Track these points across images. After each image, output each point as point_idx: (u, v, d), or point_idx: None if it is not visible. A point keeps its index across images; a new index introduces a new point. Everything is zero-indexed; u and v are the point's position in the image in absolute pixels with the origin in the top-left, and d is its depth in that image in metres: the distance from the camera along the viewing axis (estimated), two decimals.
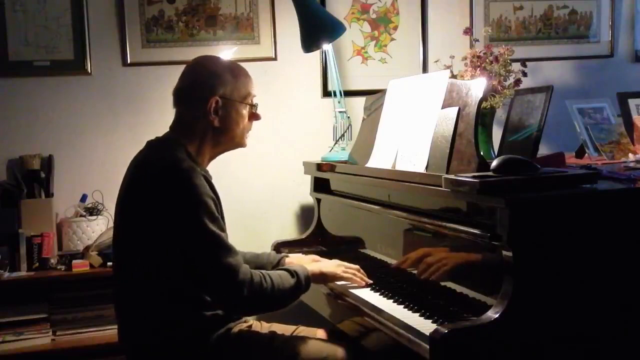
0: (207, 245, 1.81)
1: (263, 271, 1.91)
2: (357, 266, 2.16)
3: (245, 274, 1.83)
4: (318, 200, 2.80)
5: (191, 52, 3.06)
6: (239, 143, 2.06)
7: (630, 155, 2.38)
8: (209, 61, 2.08)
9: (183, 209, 1.82)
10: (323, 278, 2.10)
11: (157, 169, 1.88)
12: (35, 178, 2.86)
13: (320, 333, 2.16)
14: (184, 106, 2.01)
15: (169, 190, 1.83)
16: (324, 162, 2.75)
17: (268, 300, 1.89)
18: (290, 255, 2.36)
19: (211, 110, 1.96)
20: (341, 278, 2.11)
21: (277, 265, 2.26)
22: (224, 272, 1.81)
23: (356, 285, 2.11)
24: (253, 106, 2.06)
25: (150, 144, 2.00)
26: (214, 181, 1.97)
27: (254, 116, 2.07)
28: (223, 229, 1.88)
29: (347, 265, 2.14)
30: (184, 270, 1.83)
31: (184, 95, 2.01)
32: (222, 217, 1.94)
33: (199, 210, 1.81)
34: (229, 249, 1.84)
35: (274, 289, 1.88)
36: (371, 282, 2.13)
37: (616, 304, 1.66)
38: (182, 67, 2.98)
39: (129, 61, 3.02)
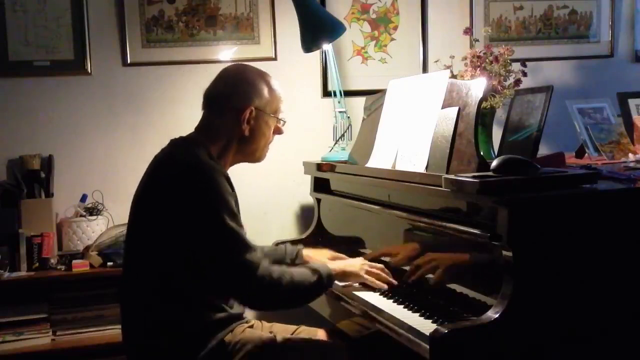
0: (227, 242, 1.82)
1: (284, 267, 1.91)
2: (381, 265, 2.12)
3: (265, 269, 1.84)
4: (318, 200, 2.80)
5: (191, 52, 3.07)
6: (259, 157, 2.10)
7: (630, 155, 2.38)
8: (247, 70, 2.09)
9: (203, 206, 1.82)
10: (345, 277, 2.08)
11: (178, 166, 1.89)
12: (35, 178, 2.86)
13: (321, 333, 2.16)
14: (217, 111, 2.02)
15: (189, 188, 1.84)
16: (324, 162, 2.75)
17: (287, 297, 1.90)
18: (306, 248, 2.34)
19: (245, 119, 1.98)
20: (364, 279, 2.08)
21: (296, 258, 2.29)
22: (243, 268, 1.81)
23: (378, 287, 2.06)
24: (280, 120, 2.10)
25: (172, 143, 2.01)
26: None
27: (277, 130, 2.11)
28: (242, 226, 1.89)
29: (371, 265, 2.11)
30: (198, 269, 1.83)
31: (218, 101, 2.02)
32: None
33: (220, 207, 1.82)
34: (248, 246, 1.84)
35: (294, 286, 1.88)
36: (396, 283, 2.07)
37: (616, 304, 1.66)
38: (182, 67, 3.05)
39: (129, 61, 3.03)
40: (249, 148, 2.05)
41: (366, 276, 2.08)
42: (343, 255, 2.32)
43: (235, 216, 1.86)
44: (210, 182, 1.84)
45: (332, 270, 2.00)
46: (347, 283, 2.12)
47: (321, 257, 2.29)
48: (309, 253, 2.31)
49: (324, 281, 1.96)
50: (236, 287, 1.85)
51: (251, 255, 1.83)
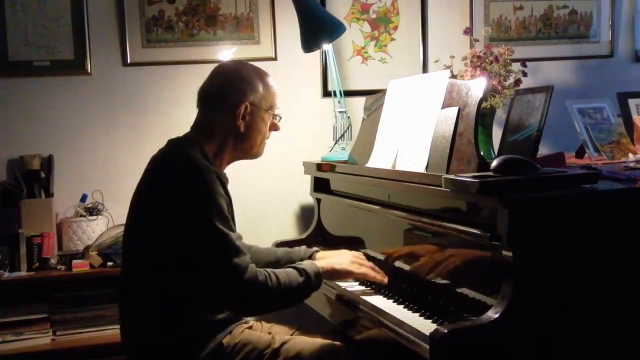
0: (214, 244, 1.81)
1: (269, 269, 1.89)
2: (371, 263, 2.10)
3: (251, 273, 1.82)
4: (318, 200, 2.80)
5: (191, 52, 3.07)
6: (256, 153, 2.09)
7: (630, 155, 2.38)
8: (241, 66, 2.09)
9: (192, 207, 1.82)
10: (335, 274, 2.05)
11: (170, 165, 1.90)
12: (35, 178, 2.86)
13: (321, 333, 2.16)
14: (211, 108, 2.02)
15: (179, 186, 1.84)
16: (324, 162, 2.75)
17: (274, 300, 1.88)
18: (322, 251, 2.27)
19: (240, 115, 1.98)
20: (355, 275, 2.05)
21: (310, 259, 2.22)
22: (229, 272, 1.80)
23: (371, 280, 2.04)
24: (276, 116, 2.09)
25: (169, 142, 2.01)
26: None
27: (274, 126, 2.10)
28: (232, 229, 1.87)
29: (361, 261, 2.09)
30: (190, 270, 1.83)
31: (213, 98, 2.02)
32: (233, 219, 1.94)
33: (208, 208, 1.81)
34: (236, 249, 1.83)
35: (280, 288, 1.86)
36: (386, 278, 2.06)
37: (616, 304, 1.66)
38: (182, 67, 3.05)
39: (129, 61, 3.03)
40: (245, 144, 2.04)
41: (358, 271, 2.05)
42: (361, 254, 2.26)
43: (225, 218, 1.85)
44: (200, 183, 1.83)
45: (320, 269, 1.97)
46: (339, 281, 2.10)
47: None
48: (325, 255, 2.21)
49: (312, 281, 1.93)
50: (221, 290, 1.83)
51: (238, 258, 1.81)
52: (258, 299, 1.85)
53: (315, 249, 2.28)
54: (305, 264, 1.98)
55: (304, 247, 2.36)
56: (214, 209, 1.82)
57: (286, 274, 1.91)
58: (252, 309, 1.95)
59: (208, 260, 1.81)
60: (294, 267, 1.95)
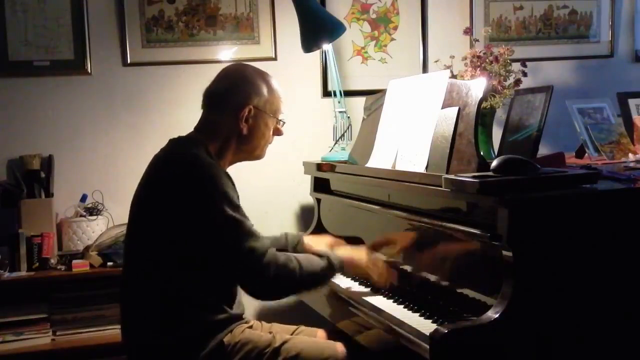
0: (229, 231, 1.83)
1: (290, 253, 1.92)
2: (382, 262, 2.12)
3: (271, 255, 1.85)
4: (318, 200, 2.80)
5: (191, 52, 3.07)
6: (258, 155, 2.10)
7: (630, 155, 2.38)
8: (247, 69, 2.09)
9: (202, 200, 1.83)
10: (352, 265, 2.07)
11: (177, 164, 1.90)
12: (35, 178, 2.86)
13: (321, 333, 2.16)
14: (215, 109, 2.02)
15: (188, 185, 1.84)
16: (324, 162, 2.75)
17: (296, 283, 1.91)
18: (306, 236, 2.37)
19: (243, 117, 1.99)
20: (369, 271, 2.06)
21: (297, 245, 2.31)
22: (248, 256, 1.82)
23: (380, 286, 2.07)
24: (280, 121, 2.10)
25: (172, 142, 2.02)
26: None
27: (277, 131, 2.11)
28: (245, 216, 1.89)
29: (375, 260, 2.10)
30: (193, 270, 1.84)
31: (217, 99, 2.03)
32: None
33: (219, 199, 1.83)
34: (252, 233, 1.85)
35: (302, 271, 1.89)
36: (396, 283, 2.07)
37: (616, 304, 1.66)
38: (182, 67, 3.06)
39: (129, 61, 3.03)
40: (248, 147, 2.05)
41: (373, 268, 2.07)
42: (343, 242, 2.34)
43: (237, 207, 1.87)
44: (208, 177, 1.85)
45: (341, 257, 2.01)
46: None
47: (322, 244, 2.31)
48: (309, 241, 2.34)
49: (334, 266, 1.97)
50: (243, 274, 1.86)
51: (256, 242, 1.84)
52: (280, 282, 1.87)
53: (301, 234, 2.37)
54: (326, 251, 2.02)
55: (290, 232, 2.39)
56: (224, 198, 1.84)
57: (306, 258, 1.94)
58: (276, 291, 1.95)
59: (226, 247, 1.83)
60: (315, 252, 2.00)
